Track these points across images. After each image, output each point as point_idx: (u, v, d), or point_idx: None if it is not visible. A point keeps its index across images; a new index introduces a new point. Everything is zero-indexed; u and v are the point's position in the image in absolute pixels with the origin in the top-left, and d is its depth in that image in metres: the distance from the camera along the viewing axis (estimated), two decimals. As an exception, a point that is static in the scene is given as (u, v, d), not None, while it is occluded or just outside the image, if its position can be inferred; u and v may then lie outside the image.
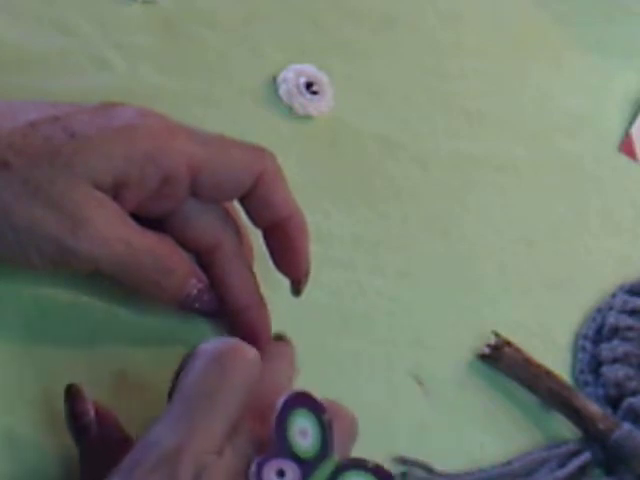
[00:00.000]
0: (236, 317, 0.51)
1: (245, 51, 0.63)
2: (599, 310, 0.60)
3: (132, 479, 0.41)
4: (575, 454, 0.54)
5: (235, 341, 0.44)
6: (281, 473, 0.42)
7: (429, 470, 0.53)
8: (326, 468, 0.43)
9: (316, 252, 0.57)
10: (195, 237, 0.50)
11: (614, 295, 0.60)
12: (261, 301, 0.51)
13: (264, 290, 0.52)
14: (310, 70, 0.63)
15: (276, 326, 0.53)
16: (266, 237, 0.51)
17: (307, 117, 0.62)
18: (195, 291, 0.49)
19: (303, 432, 0.43)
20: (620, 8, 0.73)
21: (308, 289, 0.54)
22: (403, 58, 0.66)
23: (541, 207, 0.63)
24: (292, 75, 0.62)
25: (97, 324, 0.51)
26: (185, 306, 0.49)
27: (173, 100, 0.60)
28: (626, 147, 0.67)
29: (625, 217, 0.65)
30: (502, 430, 0.55)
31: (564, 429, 0.56)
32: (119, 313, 0.51)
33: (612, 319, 0.59)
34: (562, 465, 0.54)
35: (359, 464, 0.44)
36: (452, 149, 0.64)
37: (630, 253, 0.63)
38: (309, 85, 0.62)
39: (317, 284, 0.56)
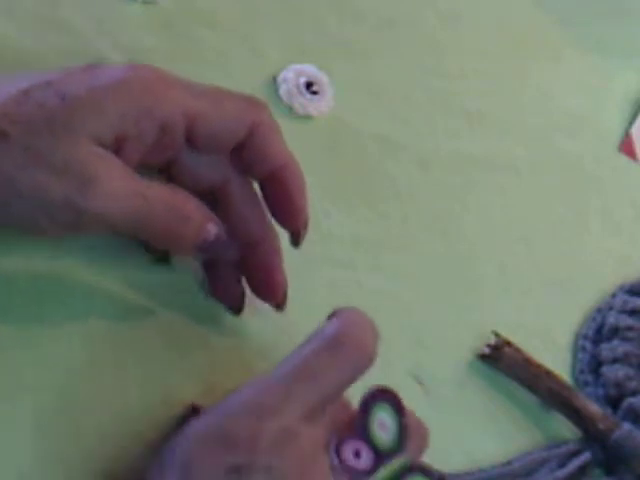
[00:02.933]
0: (251, 252, 0.51)
1: (245, 51, 0.63)
2: (599, 310, 0.60)
3: (225, 418, 0.42)
4: (575, 454, 0.54)
5: (361, 326, 0.46)
6: (357, 454, 0.44)
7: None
8: (397, 463, 0.45)
9: (316, 252, 0.57)
10: (201, 177, 0.50)
11: (614, 295, 0.60)
12: (274, 232, 0.52)
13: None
14: (310, 70, 0.63)
15: (276, 326, 0.53)
16: (263, 189, 0.51)
17: (307, 117, 0.62)
18: (213, 236, 0.48)
19: (383, 425, 0.45)
20: (620, 8, 0.73)
21: (308, 289, 0.54)
22: (403, 58, 0.66)
23: (541, 207, 0.63)
24: (292, 75, 0.62)
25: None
26: (204, 252, 0.49)
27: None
28: (626, 147, 0.67)
29: (625, 217, 0.65)
30: (502, 430, 0.55)
31: (564, 429, 0.56)
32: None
33: (612, 319, 0.59)
34: (562, 465, 0.54)
35: (427, 471, 0.46)
36: (452, 149, 0.64)
37: (630, 253, 0.63)
38: (309, 85, 0.62)
39: (317, 284, 0.57)
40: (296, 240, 0.52)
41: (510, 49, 0.69)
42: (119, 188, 0.45)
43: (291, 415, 0.43)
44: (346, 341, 0.45)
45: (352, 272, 0.57)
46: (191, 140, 0.49)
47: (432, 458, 0.53)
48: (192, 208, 0.48)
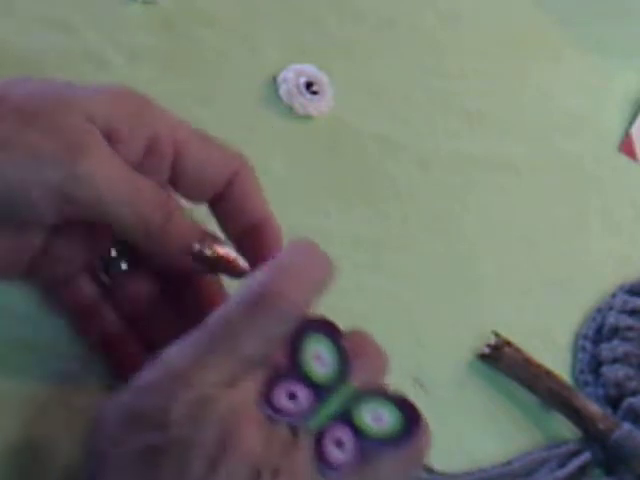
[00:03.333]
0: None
1: (245, 51, 0.63)
2: (599, 310, 0.60)
3: (134, 395, 0.40)
4: (575, 454, 0.54)
5: (290, 271, 0.43)
6: (292, 396, 0.41)
7: (429, 470, 0.53)
8: (342, 394, 0.41)
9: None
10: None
11: (614, 295, 0.60)
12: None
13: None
14: (310, 70, 0.63)
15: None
16: (239, 245, 0.49)
17: (307, 117, 0.62)
18: (203, 237, 0.46)
19: (318, 357, 0.42)
20: (620, 8, 0.73)
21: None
22: (403, 58, 0.66)
23: (541, 207, 0.63)
24: (292, 75, 0.62)
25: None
26: (195, 256, 0.47)
27: (173, 100, 0.60)
28: (626, 147, 0.67)
29: (625, 217, 0.65)
30: (502, 430, 0.55)
31: (564, 429, 0.56)
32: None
33: (612, 319, 0.59)
34: (562, 465, 0.54)
35: (379, 392, 0.42)
36: (452, 149, 0.64)
37: (630, 253, 0.63)
38: (309, 85, 0.62)
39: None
40: None
41: (510, 49, 0.69)
42: (110, 160, 0.44)
43: (206, 383, 0.40)
44: (267, 293, 0.42)
45: (352, 272, 0.57)
46: (175, 176, 0.47)
47: (432, 458, 0.53)
48: (176, 205, 0.46)
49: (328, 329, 0.42)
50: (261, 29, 0.64)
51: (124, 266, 0.49)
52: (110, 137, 0.45)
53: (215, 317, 0.42)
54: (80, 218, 0.44)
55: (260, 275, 0.43)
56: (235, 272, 0.47)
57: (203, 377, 0.40)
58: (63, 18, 0.60)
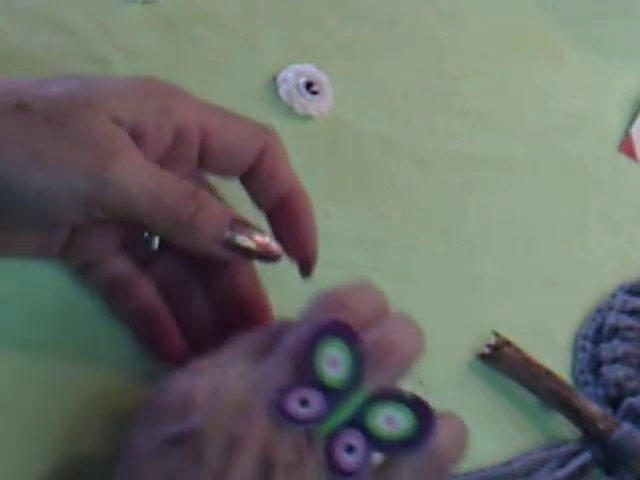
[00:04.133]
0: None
1: (245, 51, 0.63)
2: (599, 310, 0.60)
3: (158, 393, 0.42)
4: (575, 454, 0.54)
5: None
6: (304, 402, 0.40)
7: (429, 470, 0.53)
8: (356, 399, 0.41)
9: (316, 252, 0.57)
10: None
11: (614, 295, 0.60)
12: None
13: (269, 290, 0.52)
14: (310, 70, 0.63)
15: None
16: (271, 218, 0.50)
17: (307, 117, 0.62)
18: (233, 226, 0.47)
19: (333, 361, 0.41)
20: (620, 8, 0.73)
21: (308, 289, 0.53)
22: (403, 58, 0.66)
23: (541, 207, 0.63)
24: (292, 75, 0.62)
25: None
26: (226, 245, 0.47)
27: (173, 100, 0.60)
28: (626, 147, 0.67)
29: (625, 217, 0.65)
30: (502, 430, 0.55)
31: (564, 429, 0.56)
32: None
33: (612, 319, 0.59)
34: (562, 465, 0.54)
35: (395, 395, 0.42)
36: (452, 149, 0.64)
37: (630, 253, 0.63)
38: (309, 85, 0.62)
39: (317, 284, 0.56)
40: (307, 270, 0.50)
41: (510, 49, 0.69)
42: (138, 164, 0.45)
43: (224, 375, 0.41)
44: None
45: (352, 272, 0.57)
46: (205, 157, 0.48)
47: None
48: (206, 197, 0.47)
49: (345, 332, 0.41)
50: (261, 29, 0.64)
51: (156, 245, 0.49)
52: (137, 134, 0.46)
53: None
54: (110, 219, 0.45)
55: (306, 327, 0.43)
56: (268, 257, 0.48)
57: (217, 371, 0.41)
58: (63, 18, 0.60)
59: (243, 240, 0.47)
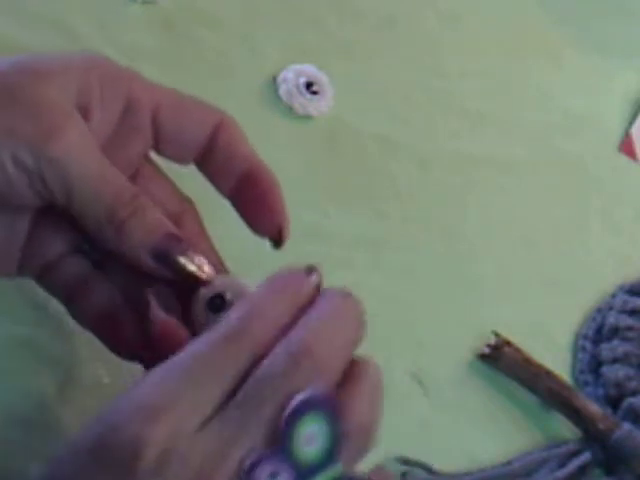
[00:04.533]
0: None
1: (245, 51, 0.63)
2: (599, 310, 0.60)
3: (105, 428, 0.38)
4: (575, 454, 0.54)
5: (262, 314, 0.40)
6: (274, 475, 0.38)
7: (429, 470, 0.53)
8: (326, 476, 0.40)
9: (316, 252, 0.57)
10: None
11: (614, 295, 0.60)
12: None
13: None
14: (310, 70, 0.63)
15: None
16: (235, 199, 0.47)
17: (307, 117, 0.62)
18: (166, 239, 0.44)
19: (311, 437, 0.39)
20: (620, 8, 0.73)
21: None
22: (403, 58, 0.66)
23: (541, 207, 0.63)
24: (292, 75, 0.62)
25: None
26: (156, 257, 0.44)
27: (173, 100, 0.60)
28: (626, 147, 0.67)
29: (625, 217, 0.65)
30: (502, 430, 0.55)
31: (564, 429, 0.56)
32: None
33: (612, 319, 0.59)
34: (562, 465, 0.54)
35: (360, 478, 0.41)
36: (452, 149, 0.64)
37: (630, 253, 0.63)
38: (309, 85, 0.62)
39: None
40: (278, 242, 0.46)
41: (510, 49, 0.69)
42: (83, 145, 0.43)
43: (177, 425, 0.37)
44: (242, 330, 0.40)
45: (352, 272, 0.57)
46: (158, 135, 0.47)
47: (432, 458, 0.53)
48: (145, 204, 0.44)
49: (329, 407, 0.40)
50: (261, 29, 0.64)
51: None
52: (85, 106, 0.45)
53: (189, 351, 0.40)
54: (54, 202, 0.44)
55: (236, 311, 0.41)
56: (199, 279, 0.45)
57: (175, 417, 0.37)
58: (63, 18, 0.60)
59: (174, 255, 0.44)
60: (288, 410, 0.39)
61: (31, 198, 0.44)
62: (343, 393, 0.41)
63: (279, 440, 0.39)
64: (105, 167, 0.44)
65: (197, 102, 0.48)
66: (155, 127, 0.47)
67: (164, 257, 0.44)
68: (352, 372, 0.42)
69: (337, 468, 0.40)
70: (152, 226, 0.44)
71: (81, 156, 0.43)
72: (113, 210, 0.44)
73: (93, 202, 0.44)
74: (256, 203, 0.46)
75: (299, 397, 0.39)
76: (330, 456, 0.40)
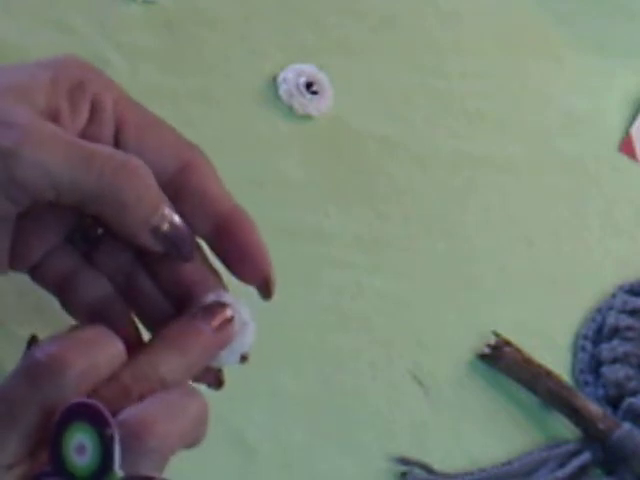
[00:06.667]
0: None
1: (245, 51, 0.63)
2: (599, 310, 0.60)
3: None
4: (575, 454, 0.54)
5: (60, 349, 0.39)
6: None
7: (429, 470, 0.53)
8: None
9: (316, 252, 0.57)
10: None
11: (614, 295, 0.60)
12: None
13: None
14: (310, 70, 0.63)
15: (276, 325, 0.53)
16: (213, 244, 0.45)
17: (307, 117, 0.62)
18: (167, 215, 0.43)
19: (81, 448, 0.38)
20: (620, 8, 0.73)
21: (308, 289, 0.54)
22: (403, 58, 0.66)
23: (541, 207, 0.63)
24: (292, 75, 0.62)
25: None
26: (157, 234, 0.43)
27: (173, 100, 0.60)
28: (626, 147, 0.67)
29: (625, 217, 0.65)
30: (502, 430, 0.55)
31: (564, 429, 0.56)
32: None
33: (612, 319, 0.59)
34: (562, 465, 0.54)
35: None
36: (452, 149, 0.64)
37: (630, 253, 0.63)
38: (309, 85, 0.62)
39: (317, 284, 0.56)
40: (267, 293, 0.45)
41: (510, 49, 0.69)
42: (51, 134, 0.42)
43: None
44: (48, 362, 0.39)
45: (352, 272, 0.57)
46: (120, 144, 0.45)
47: (432, 458, 0.53)
48: (144, 174, 0.43)
49: (93, 414, 0.38)
50: (261, 29, 0.64)
51: (100, 231, 0.47)
52: (53, 114, 0.44)
53: None
54: (40, 202, 0.43)
55: (43, 346, 0.40)
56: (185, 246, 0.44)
57: None
58: (63, 18, 0.60)
59: (174, 232, 0.43)
60: (53, 424, 0.38)
61: (12, 207, 0.43)
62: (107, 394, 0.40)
63: (51, 456, 0.38)
64: (81, 143, 0.43)
65: (167, 128, 0.46)
66: (118, 139, 0.45)
67: (162, 233, 0.43)
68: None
69: (114, 476, 0.38)
70: (152, 205, 0.43)
71: (52, 145, 0.42)
72: (98, 170, 0.42)
73: (80, 182, 0.42)
74: (237, 253, 0.44)
75: (60, 408, 0.38)
76: (104, 466, 0.38)
